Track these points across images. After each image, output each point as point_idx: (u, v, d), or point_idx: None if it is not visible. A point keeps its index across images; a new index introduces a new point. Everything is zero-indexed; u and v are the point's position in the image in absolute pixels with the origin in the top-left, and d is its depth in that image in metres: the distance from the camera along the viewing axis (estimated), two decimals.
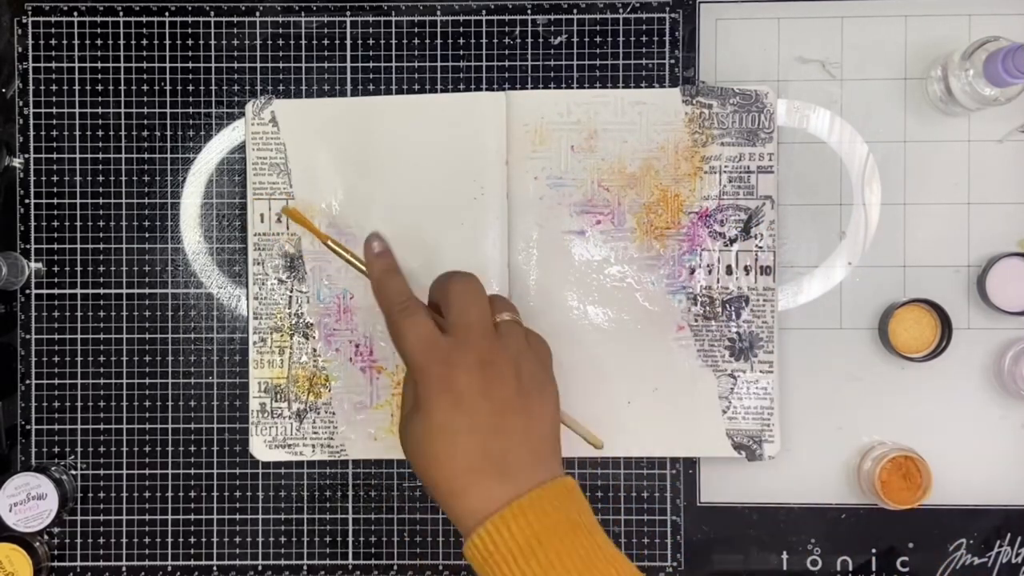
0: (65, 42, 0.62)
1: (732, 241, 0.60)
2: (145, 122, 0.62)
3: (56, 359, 0.62)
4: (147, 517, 0.62)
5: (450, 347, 0.48)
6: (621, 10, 0.61)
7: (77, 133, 0.62)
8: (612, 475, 0.61)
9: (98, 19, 0.62)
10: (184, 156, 0.62)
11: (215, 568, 0.62)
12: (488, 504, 0.46)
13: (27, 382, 0.62)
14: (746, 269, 0.60)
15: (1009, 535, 0.60)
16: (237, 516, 0.61)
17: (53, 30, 0.62)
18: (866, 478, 0.59)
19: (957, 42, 0.60)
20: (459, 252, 0.60)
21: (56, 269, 0.62)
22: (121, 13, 0.62)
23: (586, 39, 0.61)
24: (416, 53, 0.62)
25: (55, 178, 0.62)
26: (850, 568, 0.61)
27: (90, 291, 0.62)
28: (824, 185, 0.61)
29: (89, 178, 0.62)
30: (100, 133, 0.62)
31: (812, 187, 0.61)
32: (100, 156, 0.62)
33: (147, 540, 0.61)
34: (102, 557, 0.61)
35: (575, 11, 0.61)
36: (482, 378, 0.48)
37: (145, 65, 0.62)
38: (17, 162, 0.62)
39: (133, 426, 0.62)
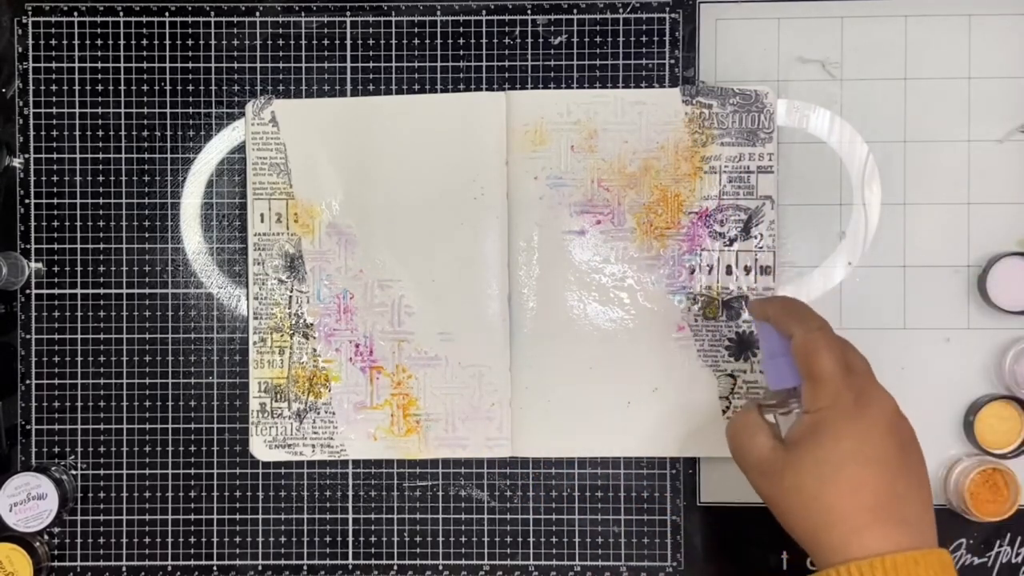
0: (65, 42, 0.62)
1: (732, 241, 0.60)
2: (145, 122, 0.62)
3: (56, 359, 0.62)
4: (147, 517, 0.62)
5: (862, 381, 0.48)
6: (621, 10, 0.61)
7: (77, 133, 0.62)
8: (612, 475, 0.61)
9: (98, 19, 0.62)
10: (184, 156, 0.62)
11: (215, 568, 0.62)
12: (887, 545, 0.44)
13: (27, 382, 0.62)
14: (746, 269, 0.60)
15: (1009, 535, 0.60)
16: (237, 516, 0.61)
17: (53, 30, 0.62)
18: (953, 490, 0.59)
19: (957, 42, 0.60)
20: (459, 252, 0.60)
21: (56, 269, 0.62)
22: (121, 13, 0.62)
23: (586, 39, 0.61)
24: (416, 53, 0.62)
25: (55, 178, 0.62)
26: None
27: (90, 291, 0.62)
28: (824, 185, 0.61)
29: (89, 178, 0.62)
30: (100, 133, 0.62)
31: (812, 187, 0.61)
32: (100, 156, 0.62)
33: (147, 540, 0.62)
34: (102, 557, 0.61)
35: (575, 11, 0.61)
36: (892, 418, 0.47)
37: (145, 65, 0.62)
38: (17, 162, 0.62)
39: (133, 426, 0.62)
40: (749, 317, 0.59)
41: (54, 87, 0.62)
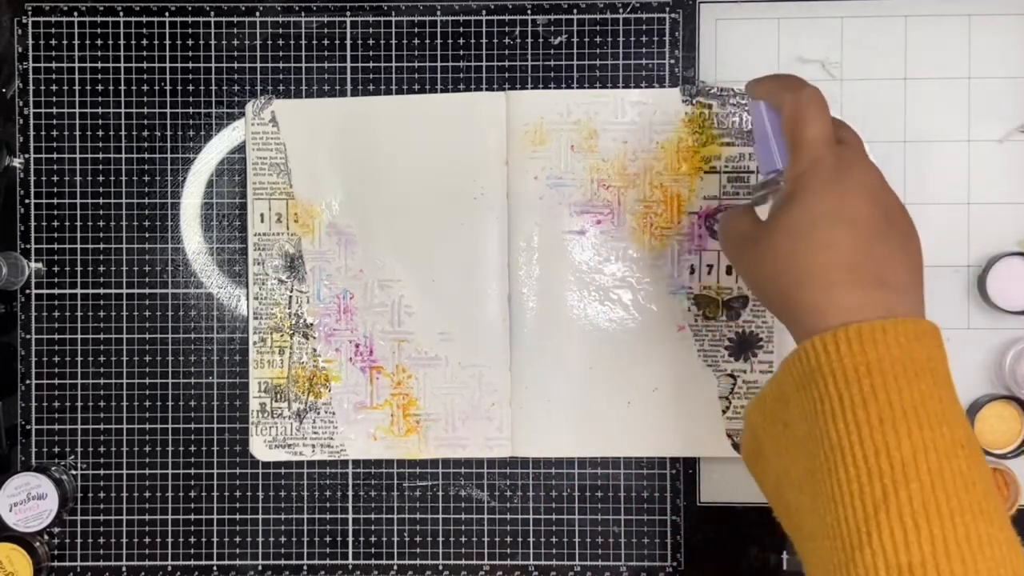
0: (65, 42, 0.62)
1: None
2: (145, 122, 0.62)
3: (56, 359, 0.62)
4: (147, 517, 0.62)
5: (848, 150, 0.46)
6: (621, 10, 0.61)
7: (77, 133, 0.62)
8: (612, 475, 0.61)
9: (98, 19, 0.62)
10: (184, 156, 0.62)
11: (215, 568, 0.62)
12: (861, 308, 0.41)
13: (27, 382, 0.62)
14: None
15: None
16: (237, 516, 0.61)
17: (53, 30, 0.62)
18: None
19: (957, 42, 0.60)
20: (459, 252, 0.60)
21: (56, 269, 0.62)
22: (121, 13, 0.62)
23: (586, 39, 0.61)
24: (416, 53, 0.62)
25: (55, 178, 0.62)
26: None
27: (90, 291, 0.62)
28: None
29: (89, 178, 0.62)
30: (100, 133, 0.62)
31: None
32: (100, 156, 0.62)
33: (147, 540, 0.62)
34: (102, 557, 0.61)
35: (575, 11, 0.61)
36: (874, 185, 0.44)
37: (145, 65, 0.62)
38: (17, 162, 0.62)
39: (133, 426, 0.62)
40: (745, 100, 0.57)
41: (54, 87, 0.62)
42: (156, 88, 0.62)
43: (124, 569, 0.62)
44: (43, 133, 0.62)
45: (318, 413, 0.61)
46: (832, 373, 0.41)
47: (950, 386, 0.42)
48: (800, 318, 0.43)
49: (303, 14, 0.62)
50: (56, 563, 0.61)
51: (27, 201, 0.62)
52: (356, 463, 0.62)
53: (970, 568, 0.37)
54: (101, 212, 0.62)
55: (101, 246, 0.62)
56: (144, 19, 0.62)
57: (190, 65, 0.62)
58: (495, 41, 0.61)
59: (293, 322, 0.61)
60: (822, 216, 0.43)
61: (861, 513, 0.39)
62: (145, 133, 0.62)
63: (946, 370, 0.43)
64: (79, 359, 0.62)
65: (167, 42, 0.62)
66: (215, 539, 0.62)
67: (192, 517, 0.62)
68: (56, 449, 0.62)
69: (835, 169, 0.44)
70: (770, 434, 0.46)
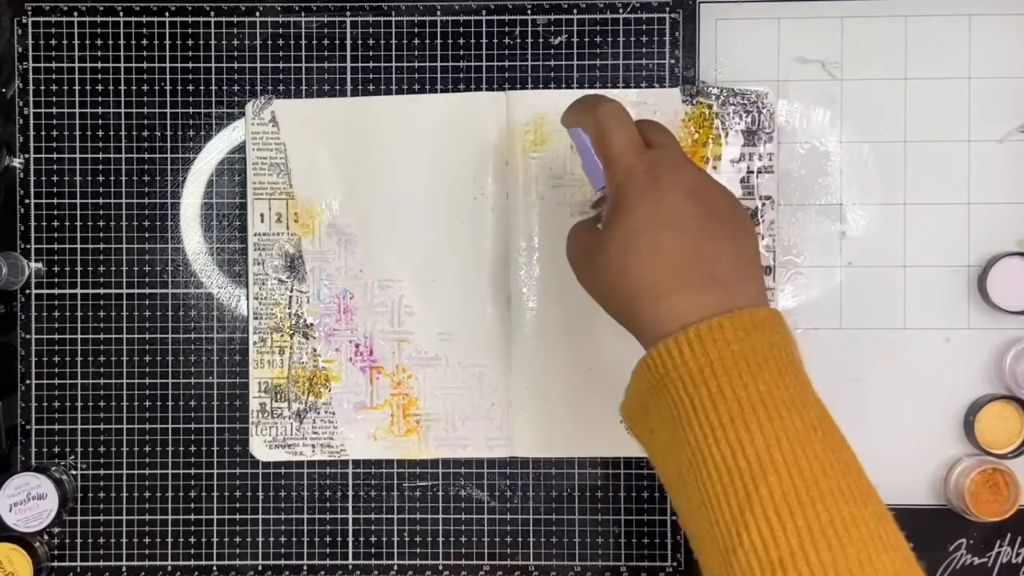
0: (65, 42, 0.62)
1: None
2: (145, 122, 0.62)
3: (56, 359, 0.62)
4: (147, 517, 0.62)
5: (658, 154, 0.45)
6: (621, 10, 0.61)
7: (77, 133, 0.62)
8: (612, 475, 0.61)
9: (98, 19, 0.62)
10: (184, 156, 0.62)
11: (215, 568, 0.62)
12: (696, 309, 0.41)
13: (27, 382, 0.62)
14: None
15: (1009, 535, 0.60)
16: (237, 516, 0.62)
17: (53, 30, 0.62)
18: (954, 490, 0.59)
19: (957, 42, 0.60)
20: (459, 252, 0.60)
21: (56, 269, 0.62)
22: (121, 13, 0.62)
23: (586, 39, 0.61)
24: (416, 53, 0.62)
25: (55, 178, 0.62)
26: None
27: (90, 291, 0.62)
28: (824, 185, 0.61)
29: (89, 178, 0.62)
30: (100, 133, 0.62)
31: (812, 187, 0.61)
32: (100, 156, 0.62)
33: (147, 540, 0.62)
34: (102, 557, 0.61)
35: (575, 11, 0.61)
36: (690, 183, 0.44)
37: (145, 65, 0.62)
38: (17, 162, 0.62)
39: (133, 426, 0.62)
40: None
41: (54, 87, 0.62)
42: (156, 88, 0.62)
43: (124, 569, 0.62)
44: (43, 133, 0.62)
45: (318, 413, 0.61)
46: (680, 378, 0.41)
47: (796, 370, 0.41)
48: (643, 329, 0.43)
49: (303, 14, 0.62)
50: (56, 563, 0.61)
51: (27, 201, 0.62)
52: (356, 463, 0.62)
53: (838, 553, 0.36)
54: (101, 212, 0.62)
55: (101, 246, 0.62)
56: (144, 19, 0.62)
57: (190, 65, 0.62)
58: (495, 41, 0.61)
59: (293, 322, 0.61)
60: (643, 225, 0.43)
61: (729, 515, 0.39)
62: (145, 133, 0.62)
63: (790, 354, 0.42)
64: (79, 359, 0.62)
65: (167, 42, 0.62)
66: (215, 539, 0.62)
67: (192, 517, 0.62)
68: (56, 449, 0.62)
69: (647, 175, 0.44)
70: (642, 440, 0.46)
